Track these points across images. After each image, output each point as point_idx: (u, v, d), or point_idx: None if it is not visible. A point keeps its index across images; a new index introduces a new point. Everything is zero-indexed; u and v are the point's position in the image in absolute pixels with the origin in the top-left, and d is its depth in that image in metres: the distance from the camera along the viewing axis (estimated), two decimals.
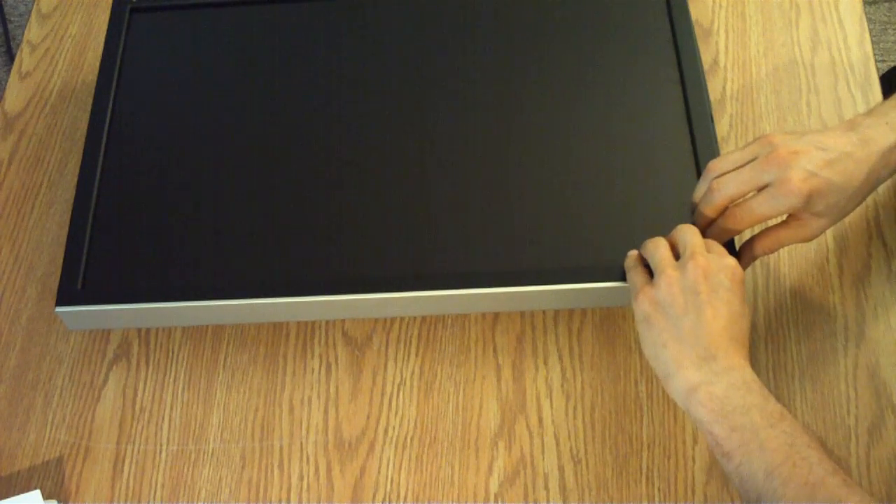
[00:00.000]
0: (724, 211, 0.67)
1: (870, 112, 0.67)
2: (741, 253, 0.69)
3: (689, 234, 0.64)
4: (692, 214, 0.70)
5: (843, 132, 0.65)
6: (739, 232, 0.67)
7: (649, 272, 0.65)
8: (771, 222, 0.68)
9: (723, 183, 0.65)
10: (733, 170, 0.65)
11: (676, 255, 0.64)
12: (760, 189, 0.64)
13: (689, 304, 0.61)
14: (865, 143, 0.64)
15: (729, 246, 0.68)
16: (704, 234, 0.68)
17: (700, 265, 0.61)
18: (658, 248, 0.65)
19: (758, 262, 0.75)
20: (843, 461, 0.67)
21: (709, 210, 0.67)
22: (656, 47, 0.80)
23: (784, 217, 0.66)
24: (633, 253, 0.68)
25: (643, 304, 0.62)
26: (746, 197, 0.65)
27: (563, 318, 0.74)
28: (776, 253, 0.75)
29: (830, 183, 0.62)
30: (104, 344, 0.76)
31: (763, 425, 0.57)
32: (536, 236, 0.72)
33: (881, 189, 0.78)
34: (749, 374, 0.59)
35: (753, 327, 0.73)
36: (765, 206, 0.64)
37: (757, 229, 0.71)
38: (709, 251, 0.63)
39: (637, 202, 0.73)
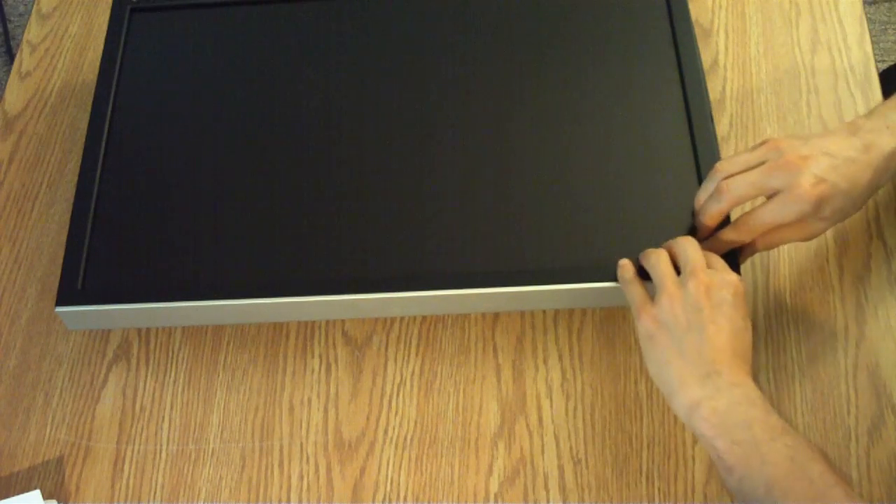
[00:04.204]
0: (727, 215, 0.67)
1: (870, 114, 0.67)
2: (742, 247, 0.69)
3: (689, 249, 0.64)
4: (694, 218, 0.70)
5: (845, 136, 0.65)
6: (746, 241, 0.67)
7: (648, 282, 0.65)
8: None
9: (732, 184, 0.65)
10: (740, 172, 0.65)
11: (677, 268, 0.64)
12: (769, 196, 0.64)
13: (691, 322, 0.61)
14: (868, 149, 0.64)
15: (731, 254, 0.68)
16: (708, 238, 0.68)
17: (702, 282, 0.62)
18: (659, 262, 0.65)
19: (757, 263, 0.75)
20: (843, 461, 0.67)
21: (715, 210, 0.66)
22: (656, 47, 0.80)
23: None
24: (627, 264, 0.68)
25: (646, 323, 0.63)
26: (756, 206, 0.66)
27: (563, 318, 0.74)
28: (776, 253, 0.75)
29: (837, 188, 0.63)
30: (104, 344, 0.76)
31: (765, 439, 0.57)
32: (536, 236, 0.71)
33: (881, 190, 0.78)
34: (752, 389, 0.59)
35: (754, 327, 0.72)
36: (775, 212, 0.64)
37: None
38: (709, 266, 0.64)
39: (637, 202, 0.72)
